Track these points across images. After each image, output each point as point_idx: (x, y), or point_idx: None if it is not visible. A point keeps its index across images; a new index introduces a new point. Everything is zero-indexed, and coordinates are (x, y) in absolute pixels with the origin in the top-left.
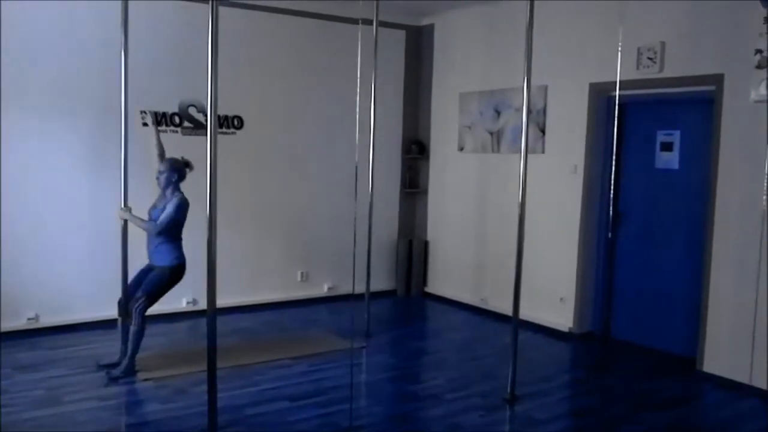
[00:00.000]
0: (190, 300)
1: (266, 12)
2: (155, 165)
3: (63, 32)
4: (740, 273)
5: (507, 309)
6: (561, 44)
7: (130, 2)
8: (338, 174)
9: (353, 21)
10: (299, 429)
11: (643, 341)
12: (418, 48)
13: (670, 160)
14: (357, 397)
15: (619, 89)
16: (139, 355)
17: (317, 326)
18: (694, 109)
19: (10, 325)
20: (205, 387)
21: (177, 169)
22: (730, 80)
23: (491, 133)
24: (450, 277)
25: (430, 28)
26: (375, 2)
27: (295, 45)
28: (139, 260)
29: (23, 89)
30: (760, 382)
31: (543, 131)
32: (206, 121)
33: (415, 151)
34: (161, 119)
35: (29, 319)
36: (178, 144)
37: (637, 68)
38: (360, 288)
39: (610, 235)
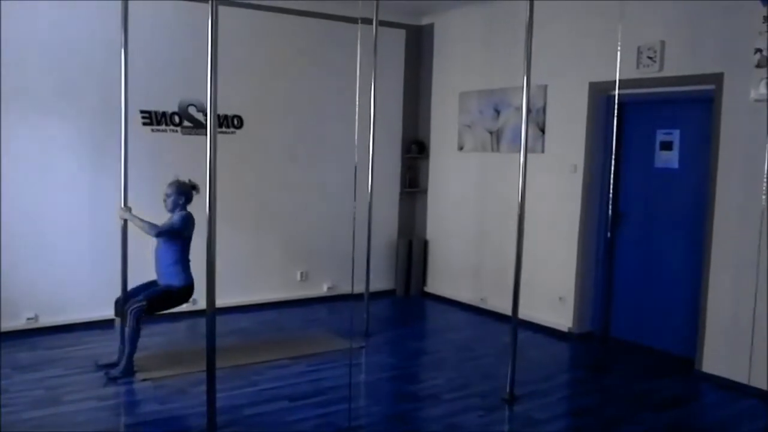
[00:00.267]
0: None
1: (266, 11)
2: (155, 165)
3: (63, 32)
4: (739, 273)
5: (506, 309)
6: (561, 43)
7: (130, 2)
8: (338, 173)
9: (353, 20)
10: (298, 429)
11: (643, 341)
12: (418, 47)
13: (669, 159)
14: (356, 397)
15: (619, 88)
16: (138, 355)
17: (316, 326)
18: (694, 108)
19: (10, 325)
20: (204, 387)
21: (184, 192)
22: (730, 79)
23: (491, 133)
24: (449, 276)
25: (430, 28)
26: (375, 2)
27: (295, 44)
28: (138, 260)
29: (23, 89)
30: (758, 382)
31: (542, 130)
32: (206, 120)
33: (415, 151)
34: (161, 118)
35: (28, 319)
36: (177, 143)
37: (637, 67)
38: (359, 288)
39: (609, 234)
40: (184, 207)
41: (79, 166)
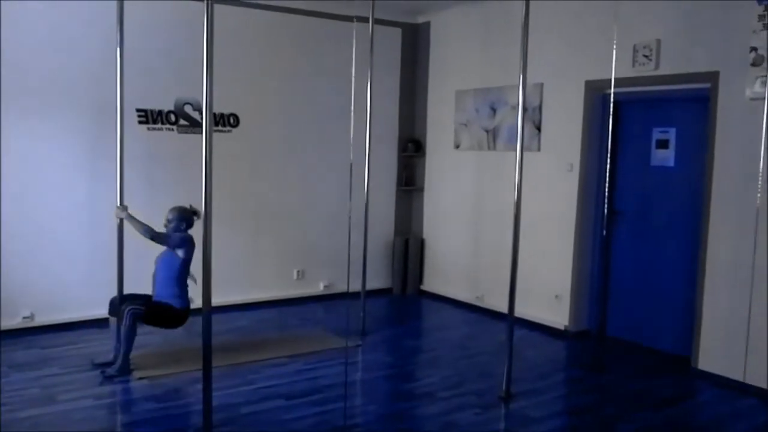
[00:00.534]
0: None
1: (262, 10)
2: (151, 164)
3: (58, 31)
4: (735, 271)
5: (503, 307)
6: (557, 42)
7: (125, 1)
8: (334, 172)
9: (349, 19)
10: (294, 427)
11: (639, 339)
12: (415, 46)
13: (665, 157)
14: (352, 395)
15: (615, 87)
16: (134, 354)
17: (313, 325)
18: (690, 106)
19: (6, 323)
20: (200, 385)
21: (185, 218)
22: (726, 78)
23: (487, 131)
24: (446, 275)
25: (426, 26)
26: (371, 0)
27: (291, 43)
28: (134, 260)
29: (20, 88)
30: (754, 380)
31: (539, 129)
32: (202, 119)
33: (412, 149)
34: (157, 117)
35: (25, 317)
36: (173, 142)
37: (633, 66)
38: (356, 286)
39: (605, 232)
40: (185, 231)
41: (76, 165)
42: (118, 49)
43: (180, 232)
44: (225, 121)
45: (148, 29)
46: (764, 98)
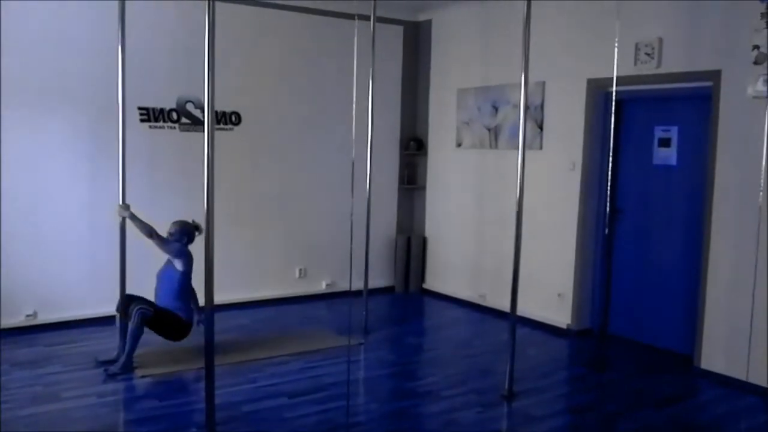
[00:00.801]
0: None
1: (263, 8)
2: (153, 162)
3: (60, 29)
4: (738, 269)
5: (505, 305)
6: (558, 40)
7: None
8: (336, 170)
9: (350, 17)
10: (297, 426)
11: (641, 338)
12: (416, 44)
13: (667, 156)
14: (355, 393)
15: (617, 85)
16: (137, 352)
17: (315, 323)
18: (692, 104)
19: (9, 321)
20: (202, 384)
21: (187, 232)
22: (728, 76)
23: (489, 129)
24: (448, 273)
25: (428, 24)
26: None
27: (293, 41)
28: (137, 258)
29: (21, 87)
30: (757, 379)
31: (541, 127)
32: (204, 117)
33: (413, 147)
34: (159, 115)
35: (27, 315)
36: (175, 140)
37: (635, 64)
38: (358, 284)
39: (607, 231)
40: (186, 246)
41: (78, 163)
42: (120, 48)
43: (181, 244)
44: (227, 119)
45: (150, 27)
46: (766, 96)
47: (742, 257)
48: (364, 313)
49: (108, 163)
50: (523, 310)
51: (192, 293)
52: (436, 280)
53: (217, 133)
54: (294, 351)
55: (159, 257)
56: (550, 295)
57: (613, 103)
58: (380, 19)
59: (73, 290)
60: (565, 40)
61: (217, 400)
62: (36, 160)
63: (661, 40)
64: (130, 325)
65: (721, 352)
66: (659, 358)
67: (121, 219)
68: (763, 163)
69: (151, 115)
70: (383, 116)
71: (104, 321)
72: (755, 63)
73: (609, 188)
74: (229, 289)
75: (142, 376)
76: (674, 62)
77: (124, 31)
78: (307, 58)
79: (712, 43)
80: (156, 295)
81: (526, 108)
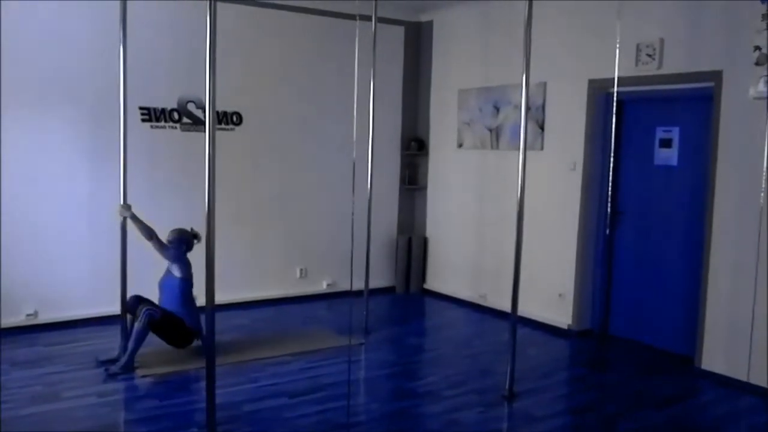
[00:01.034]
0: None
1: (265, 8)
2: (154, 162)
3: (61, 29)
4: (738, 270)
5: (506, 306)
6: (560, 41)
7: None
8: (337, 170)
9: (352, 17)
10: (297, 425)
11: (642, 338)
12: (417, 44)
13: (669, 156)
14: (355, 393)
15: (618, 86)
16: (138, 352)
17: (316, 323)
18: (693, 105)
19: (9, 321)
20: (203, 383)
21: (185, 240)
22: (729, 77)
23: (490, 130)
24: (449, 273)
25: (429, 25)
26: None
27: (294, 41)
28: (138, 257)
29: (22, 86)
30: (758, 380)
31: (542, 128)
32: (205, 117)
33: (414, 148)
34: (160, 115)
35: (28, 315)
36: (176, 140)
37: (636, 65)
38: (359, 285)
39: (608, 231)
40: (184, 254)
41: (79, 163)
42: (121, 47)
43: (179, 251)
44: (228, 119)
45: (151, 27)
46: (767, 97)
47: (743, 258)
48: (364, 313)
49: (109, 162)
50: (523, 310)
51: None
52: (437, 281)
53: (218, 133)
54: (295, 351)
55: (159, 257)
56: (551, 296)
57: (615, 104)
58: (381, 20)
59: (73, 290)
60: (566, 40)
61: (218, 400)
62: (37, 159)
63: (662, 41)
64: (137, 325)
65: (721, 352)
66: (660, 358)
67: (122, 219)
68: (764, 164)
69: (152, 115)
70: (384, 116)
71: (105, 321)
72: (756, 64)
73: (610, 189)
74: (230, 288)
75: (143, 376)
76: (675, 63)
77: (125, 31)
78: (308, 58)
79: (714, 44)
80: (160, 305)
81: (527, 108)
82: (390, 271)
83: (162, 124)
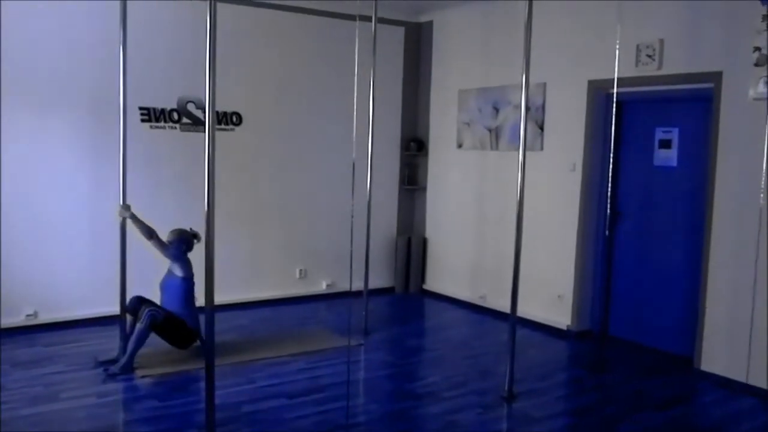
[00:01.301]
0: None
1: (265, 8)
2: (154, 162)
3: (62, 30)
4: (738, 271)
5: (505, 306)
6: (559, 41)
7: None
8: (337, 171)
9: (352, 17)
10: (297, 426)
11: (641, 339)
12: (417, 45)
13: (668, 157)
14: (354, 394)
15: (618, 86)
16: (138, 352)
17: (315, 323)
18: (693, 106)
19: (9, 321)
20: (202, 384)
21: (185, 240)
22: (729, 78)
23: (490, 130)
24: (449, 274)
25: (429, 25)
26: None
27: (294, 42)
28: (137, 258)
29: (22, 87)
30: (757, 381)
31: (541, 128)
32: (205, 117)
33: (414, 148)
34: (160, 115)
35: (28, 315)
36: (176, 140)
37: (636, 65)
38: (358, 285)
39: (608, 232)
40: (184, 253)
41: (78, 163)
42: (121, 48)
43: (179, 252)
44: (228, 119)
45: (151, 28)
46: (767, 98)
47: (743, 259)
48: (364, 313)
49: (109, 163)
50: (523, 311)
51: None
52: (437, 281)
53: (218, 134)
54: (294, 351)
55: (160, 258)
56: (551, 297)
57: (614, 105)
58: (381, 20)
59: (73, 290)
60: (566, 41)
61: (217, 401)
62: (37, 159)
63: (662, 42)
64: (139, 326)
65: (721, 353)
66: (659, 359)
67: (121, 219)
68: (764, 164)
69: (152, 116)
70: (384, 117)
71: (104, 321)
72: (756, 65)
73: (609, 189)
74: (230, 289)
75: (143, 377)
76: (675, 64)
77: (125, 31)
78: (308, 58)
79: (713, 45)
80: (161, 306)
81: (527, 109)
82: (389, 271)
83: (162, 124)
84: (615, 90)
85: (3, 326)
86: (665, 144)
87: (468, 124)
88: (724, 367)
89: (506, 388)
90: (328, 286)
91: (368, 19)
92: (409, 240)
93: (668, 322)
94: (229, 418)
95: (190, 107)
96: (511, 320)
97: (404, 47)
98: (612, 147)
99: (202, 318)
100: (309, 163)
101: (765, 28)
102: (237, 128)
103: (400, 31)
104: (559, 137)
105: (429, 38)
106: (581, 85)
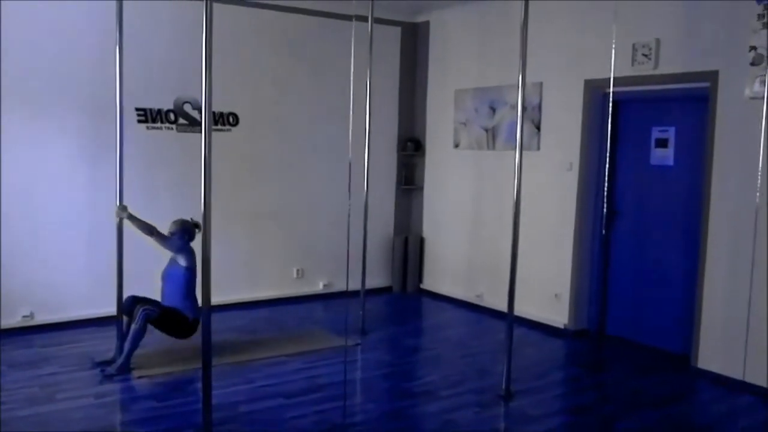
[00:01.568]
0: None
1: (261, 9)
2: (151, 163)
3: (58, 31)
4: (734, 269)
5: (502, 305)
6: (556, 41)
7: (124, 0)
8: (334, 171)
9: (348, 18)
10: (294, 426)
11: (638, 338)
12: (414, 45)
13: (665, 156)
14: (352, 393)
15: (614, 86)
16: (135, 353)
17: (312, 323)
18: (689, 105)
19: (6, 322)
20: (199, 384)
21: (187, 230)
22: (725, 77)
23: (486, 130)
24: (446, 273)
25: (426, 25)
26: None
27: (290, 42)
28: (134, 258)
29: (19, 88)
30: (754, 378)
31: (538, 128)
32: (201, 118)
33: (411, 148)
34: (156, 116)
35: (24, 316)
36: (173, 141)
37: (632, 65)
38: (355, 285)
39: (604, 231)
40: (187, 243)
41: (75, 164)
42: (118, 48)
43: (182, 243)
44: (224, 120)
45: (148, 28)
46: (763, 97)
47: (739, 257)
48: (361, 313)
49: (105, 163)
50: (520, 310)
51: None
52: (434, 281)
53: (214, 134)
54: (291, 351)
55: (157, 258)
56: (547, 296)
57: (611, 104)
58: (378, 20)
59: (70, 291)
60: (562, 40)
61: (214, 401)
62: (33, 160)
63: (658, 41)
64: (134, 326)
65: (718, 351)
66: (656, 358)
67: (118, 220)
68: (760, 163)
69: (148, 116)
70: (381, 117)
71: (101, 322)
72: (752, 64)
73: (606, 189)
74: (227, 289)
75: (140, 377)
76: (671, 63)
77: (121, 32)
78: (304, 59)
79: (710, 44)
80: (162, 295)
81: (524, 109)
82: (386, 271)
83: (158, 125)
84: (611, 89)
85: (0, 327)
86: (662, 143)
87: (465, 123)
88: (721, 365)
89: (503, 386)
90: (325, 285)
91: (365, 19)
92: (406, 239)
93: (665, 320)
94: (227, 418)
95: (187, 108)
96: (508, 319)
97: (401, 47)
98: (609, 146)
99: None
100: (306, 163)
101: (761, 27)
102: (234, 129)
103: (397, 32)
104: (555, 137)
105: (426, 38)
106: (578, 85)
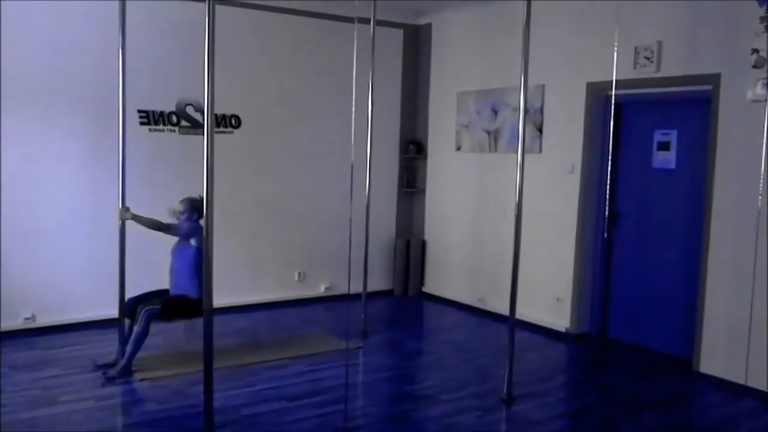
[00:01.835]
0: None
1: (263, 11)
2: (153, 165)
3: (60, 32)
4: (736, 273)
5: (504, 309)
6: (558, 43)
7: (127, 2)
8: (336, 173)
9: (350, 20)
10: (295, 429)
11: (640, 341)
12: (416, 47)
13: (667, 159)
14: (353, 397)
15: (616, 89)
16: (136, 356)
17: (314, 326)
18: (691, 108)
19: (7, 325)
20: (201, 387)
21: (196, 208)
22: (727, 80)
23: (488, 133)
24: (447, 277)
25: (428, 28)
26: (372, 1)
27: (293, 44)
28: (136, 260)
29: (21, 89)
30: (756, 383)
31: (540, 131)
32: (203, 120)
33: (413, 151)
34: (158, 118)
35: (26, 319)
36: (175, 143)
37: (634, 68)
38: (357, 288)
39: (606, 235)
40: (196, 221)
41: (77, 166)
42: (120, 50)
43: (191, 221)
44: (226, 122)
45: (150, 30)
46: (765, 100)
47: (741, 261)
48: (362, 316)
49: (107, 165)
50: (521, 313)
51: None
52: (435, 284)
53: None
54: (293, 354)
55: (160, 260)
56: (549, 299)
57: (613, 107)
58: (380, 23)
59: (71, 293)
60: (564, 43)
61: (216, 404)
62: (36, 162)
63: (660, 44)
64: (136, 328)
65: (720, 355)
66: (658, 361)
67: (120, 222)
68: (762, 166)
69: (150, 118)
70: (383, 119)
71: (103, 324)
72: (754, 67)
73: (608, 191)
74: (228, 292)
75: (141, 380)
76: (674, 66)
77: (124, 33)
78: (307, 61)
79: (712, 47)
80: (171, 272)
81: (526, 111)
82: (388, 274)
83: (161, 127)
84: (613, 92)
85: (2, 329)
86: (664, 146)
87: (467, 126)
88: (723, 368)
89: (505, 390)
90: (326, 288)
91: (367, 21)
92: (408, 242)
93: (667, 323)
94: (228, 421)
95: (189, 110)
96: (510, 323)
97: (403, 50)
98: (610, 149)
99: (199, 321)
100: (308, 165)
101: (763, 30)
102: (236, 131)
103: (399, 34)
104: (557, 139)
105: (428, 41)
106: (580, 88)
